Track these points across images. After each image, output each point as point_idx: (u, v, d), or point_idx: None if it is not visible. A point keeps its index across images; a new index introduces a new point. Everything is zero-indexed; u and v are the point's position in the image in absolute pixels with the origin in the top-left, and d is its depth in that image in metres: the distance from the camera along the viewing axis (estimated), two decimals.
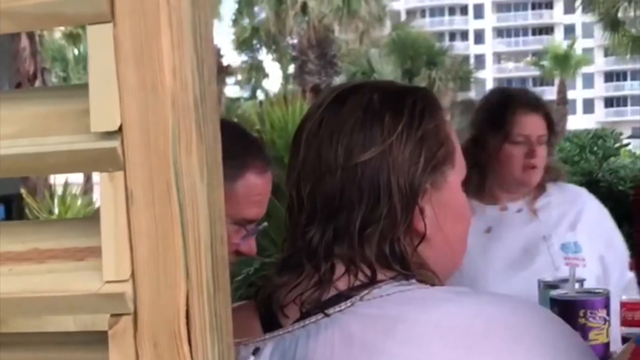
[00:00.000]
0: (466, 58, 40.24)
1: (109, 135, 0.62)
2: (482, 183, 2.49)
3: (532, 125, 2.46)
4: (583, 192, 2.63)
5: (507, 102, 2.51)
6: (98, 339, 0.67)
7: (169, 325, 0.64)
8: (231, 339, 0.70)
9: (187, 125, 0.63)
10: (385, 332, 0.99)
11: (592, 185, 9.84)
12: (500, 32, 63.42)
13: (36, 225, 0.72)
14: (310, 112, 1.15)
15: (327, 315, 1.03)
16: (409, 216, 1.09)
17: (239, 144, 1.61)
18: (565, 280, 1.82)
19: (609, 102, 59.54)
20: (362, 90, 1.14)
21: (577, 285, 1.78)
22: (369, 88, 1.14)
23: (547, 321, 1.04)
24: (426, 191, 1.10)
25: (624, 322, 1.89)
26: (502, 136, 2.47)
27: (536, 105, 2.51)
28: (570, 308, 1.68)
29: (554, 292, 1.74)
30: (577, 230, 2.44)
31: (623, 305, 1.91)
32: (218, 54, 28.56)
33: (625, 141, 12.36)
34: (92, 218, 0.67)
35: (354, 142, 1.08)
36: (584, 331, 1.67)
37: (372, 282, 1.06)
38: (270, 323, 1.09)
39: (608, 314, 1.71)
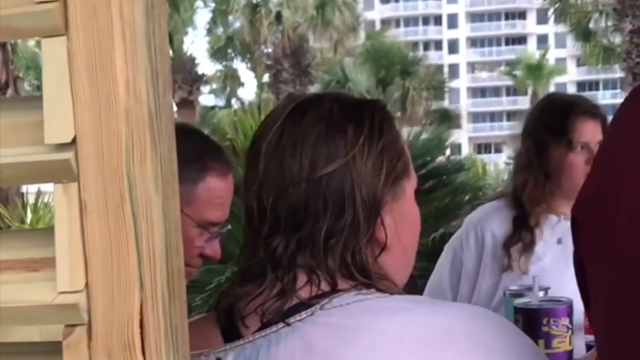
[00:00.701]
0: (440, 67, 40.43)
1: (63, 147, 0.63)
2: (545, 192, 2.46)
3: (592, 131, 2.41)
4: None
5: (567, 108, 2.46)
6: (54, 350, 0.67)
7: (123, 335, 0.64)
8: (187, 349, 0.71)
9: (141, 137, 0.64)
10: (346, 341, 1.00)
11: None
12: (474, 42, 63.81)
13: None
14: (268, 123, 1.15)
15: (287, 324, 1.04)
16: (372, 227, 1.10)
17: (199, 147, 1.63)
18: (530, 289, 1.84)
19: None
20: (321, 102, 1.15)
21: (541, 294, 1.79)
22: (328, 99, 1.16)
23: (503, 331, 1.06)
24: (387, 202, 1.12)
25: (588, 330, 1.90)
26: (565, 144, 2.42)
27: (595, 111, 2.48)
28: (533, 316, 1.70)
29: (518, 301, 1.75)
30: None
31: (587, 313, 1.92)
32: (193, 63, 28.51)
33: None
34: (47, 229, 0.68)
35: (318, 154, 1.09)
36: (547, 339, 1.69)
37: (333, 291, 1.07)
38: (231, 333, 1.10)
39: (571, 322, 1.72)
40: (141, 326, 0.65)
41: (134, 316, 0.64)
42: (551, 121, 2.47)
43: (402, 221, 1.14)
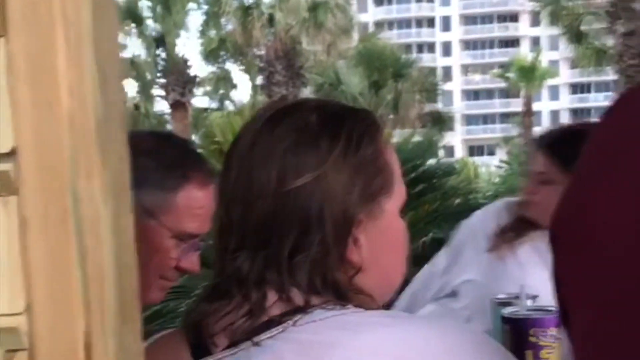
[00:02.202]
0: (433, 70, 40.37)
1: (1, 157, 0.58)
2: None
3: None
4: None
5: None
6: None
7: None
8: None
9: (88, 147, 0.59)
10: (319, 358, 0.96)
11: None
12: (467, 45, 63.88)
13: None
14: (243, 130, 1.10)
15: (256, 343, 0.99)
16: (342, 247, 1.04)
17: (180, 155, 1.57)
18: (518, 297, 1.79)
19: (575, 113, 60.05)
20: (299, 111, 1.09)
21: (529, 302, 1.74)
22: (307, 108, 1.09)
23: (481, 347, 1.02)
24: (361, 222, 1.06)
25: None
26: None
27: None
28: (520, 326, 1.65)
29: (505, 311, 1.70)
30: None
31: None
32: (186, 65, 28.42)
33: None
34: None
35: (287, 166, 1.03)
36: (535, 350, 1.64)
37: (306, 306, 1.01)
38: (200, 351, 1.05)
39: (560, 332, 1.68)
40: (88, 351, 0.60)
41: (78, 340, 0.59)
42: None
43: (379, 241, 1.08)
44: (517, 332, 1.63)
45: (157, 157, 1.56)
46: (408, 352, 0.96)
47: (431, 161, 7.15)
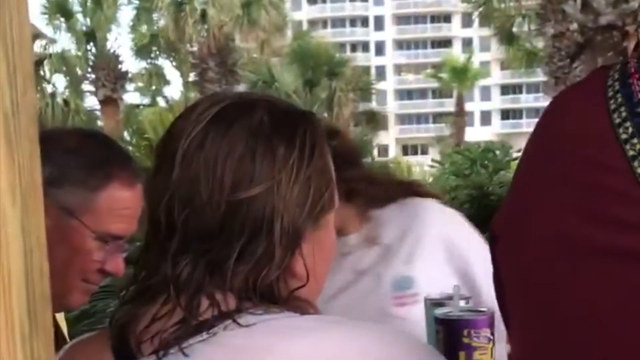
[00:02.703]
0: (367, 69, 40.63)
1: None
2: None
3: None
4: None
5: None
6: None
7: None
8: None
9: None
10: None
11: (483, 198, 10.01)
12: (400, 44, 64.33)
13: None
14: (185, 124, 1.03)
15: (183, 351, 0.94)
16: (288, 258, 1.01)
17: (104, 153, 1.52)
18: (451, 298, 1.78)
19: (506, 114, 61.00)
20: (252, 110, 1.03)
21: (462, 303, 1.73)
22: (258, 107, 1.04)
23: (420, 354, 0.99)
24: (307, 232, 1.03)
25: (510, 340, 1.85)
26: None
27: None
28: (454, 327, 1.63)
29: (438, 311, 1.69)
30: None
31: None
32: (117, 60, 28.03)
33: (516, 155, 12.61)
34: None
35: (243, 173, 0.99)
36: (468, 351, 1.63)
37: (239, 310, 0.98)
38: (126, 355, 1.00)
39: (492, 332, 1.67)
40: None
41: None
42: None
43: (319, 251, 1.05)
44: (450, 333, 1.61)
45: (80, 155, 1.50)
46: (345, 358, 0.93)
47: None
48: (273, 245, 0.98)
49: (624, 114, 0.76)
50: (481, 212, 9.86)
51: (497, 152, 11.05)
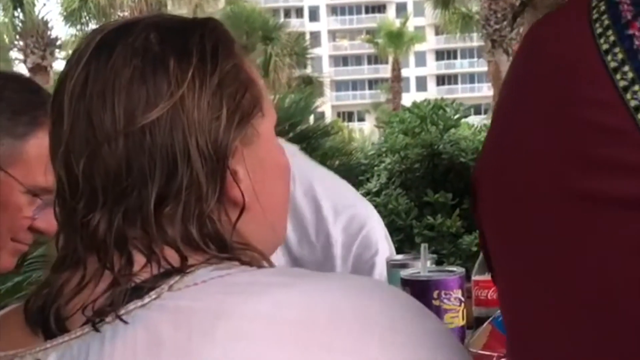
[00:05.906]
0: (302, 35, 40.38)
1: None
2: None
3: None
4: None
5: None
6: None
7: None
8: None
9: None
10: (203, 331, 0.78)
11: (434, 157, 9.95)
12: (334, 10, 64.19)
13: None
14: (69, 66, 0.90)
15: (121, 318, 0.80)
16: (219, 184, 0.87)
17: (29, 98, 1.39)
18: (416, 258, 1.65)
19: (441, 80, 61.41)
20: (133, 30, 0.89)
21: (428, 264, 1.60)
22: (142, 26, 0.90)
23: (401, 306, 0.85)
24: (236, 150, 0.89)
25: (477, 302, 1.74)
26: None
27: None
28: (423, 289, 1.52)
29: (405, 272, 1.57)
30: None
31: (475, 283, 1.77)
32: (46, 27, 27.37)
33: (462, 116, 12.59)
34: None
35: (135, 99, 0.85)
36: (438, 314, 1.53)
37: (183, 267, 0.83)
38: (51, 328, 0.85)
39: (463, 294, 1.56)
40: None
41: None
42: None
43: (259, 171, 0.91)
44: (418, 295, 1.49)
45: (2, 99, 1.37)
46: (315, 317, 0.79)
47: (307, 123, 7.05)
48: (196, 172, 0.85)
49: (612, 39, 0.65)
50: (433, 172, 9.82)
51: (448, 109, 10.94)
